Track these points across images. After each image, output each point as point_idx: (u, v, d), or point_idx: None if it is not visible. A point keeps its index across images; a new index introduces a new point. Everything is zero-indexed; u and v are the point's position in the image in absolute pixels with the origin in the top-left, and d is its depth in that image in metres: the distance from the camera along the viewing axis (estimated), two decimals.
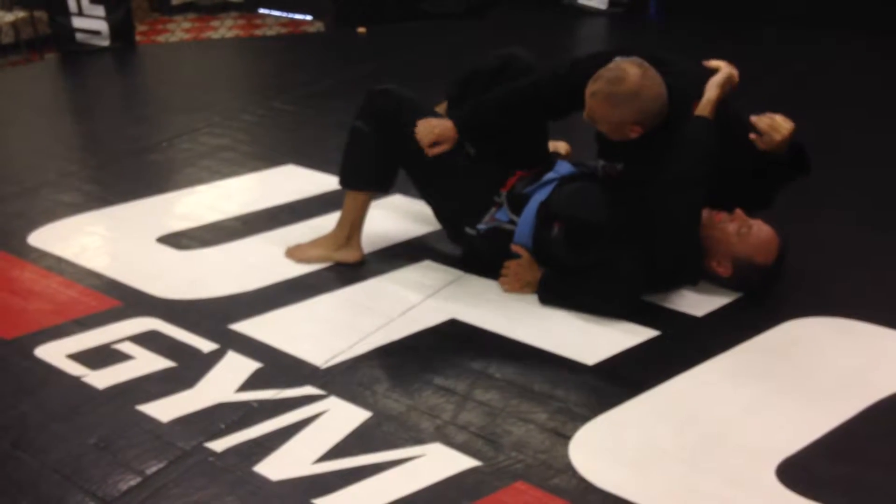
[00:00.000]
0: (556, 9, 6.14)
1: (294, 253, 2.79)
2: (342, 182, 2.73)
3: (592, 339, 2.36)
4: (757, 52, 5.16)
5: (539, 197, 2.54)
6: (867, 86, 4.53)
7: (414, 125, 2.57)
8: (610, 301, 2.43)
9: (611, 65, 2.37)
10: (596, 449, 1.98)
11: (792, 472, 1.88)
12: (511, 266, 2.58)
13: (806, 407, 2.08)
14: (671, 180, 2.38)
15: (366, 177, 2.70)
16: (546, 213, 2.51)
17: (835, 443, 1.97)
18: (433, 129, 2.55)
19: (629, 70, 2.34)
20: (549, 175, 2.58)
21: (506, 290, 2.58)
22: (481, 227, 2.59)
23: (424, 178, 2.70)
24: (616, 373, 2.24)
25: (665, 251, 2.40)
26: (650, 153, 2.40)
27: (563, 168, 2.61)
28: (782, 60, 4.90)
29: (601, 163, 2.54)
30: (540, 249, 2.54)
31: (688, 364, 2.24)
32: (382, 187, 2.73)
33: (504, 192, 2.59)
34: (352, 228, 2.72)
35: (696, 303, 2.49)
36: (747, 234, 2.42)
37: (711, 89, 2.46)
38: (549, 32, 5.86)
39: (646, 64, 2.37)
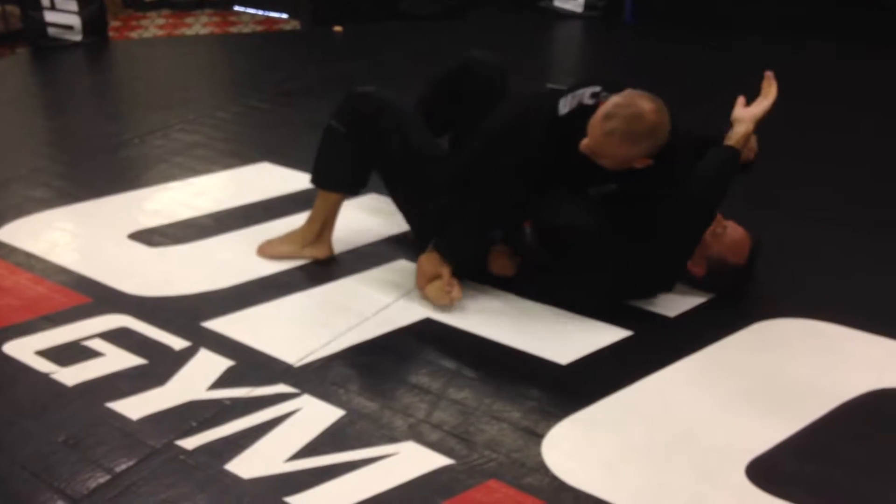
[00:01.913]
0: (532, 11, 6.16)
1: (264, 249, 2.77)
2: (314, 180, 2.72)
3: (566, 339, 2.37)
4: (729, 57, 5.21)
5: None
6: (838, 90, 4.59)
7: (394, 133, 2.54)
8: (592, 295, 2.44)
9: (621, 100, 2.25)
10: (569, 448, 1.99)
11: (762, 470, 1.90)
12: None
13: (776, 407, 2.11)
14: (694, 198, 2.41)
15: (337, 178, 2.68)
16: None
17: (804, 442, 1.99)
18: (440, 292, 2.45)
19: (645, 106, 2.24)
20: None
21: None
22: None
23: (403, 195, 2.69)
24: (589, 372, 2.25)
25: (663, 259, 2.45)
26: (645, 173, 2.34)
27: None
28: (755, 65, 4.94)
29: (591, 190, 2.42)
30: (513, 247, 2.55)
31: (660, 364, 2.26)
32: (353, 189, 2.72)
33: None
34: (323, 226, 2.72)
35: (669, 303, 2.51)
36: (722, 234, 2.45)
37: (748, 123, 2.45)
38: (525, 35, 5.88)
39: (654, 96, 2.28)
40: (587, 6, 6.00)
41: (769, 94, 2.51)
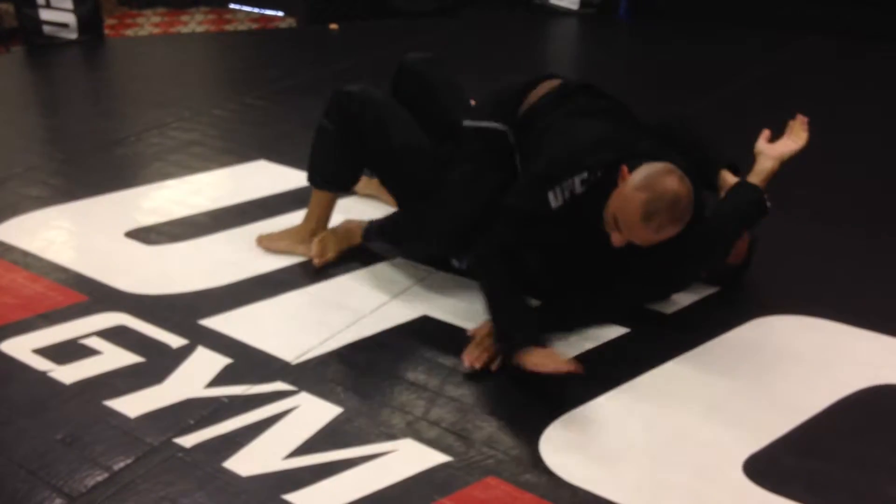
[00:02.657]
0: (527, 8, 6.16)
1: (262, 241, 2.79)
2: (309, 178, 2.73)
3: (562, 337, 2.37)
4: (726, 52, 5.22)
5: None
6: (832, 86, 4.60)
7: (377, 129, 2.54)
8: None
9: (648, 193, 2.07)
10: (566, 444, 1.99)
11: (759, 467, 1.91)
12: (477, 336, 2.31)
13: (772, 403, 2.11)
14: (714, 240, 2.33)
15: (329, 176, 2.69)
16: None
17: (801, 439, 2.00)
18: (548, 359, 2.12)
19: (673, 185, 2.10)
20: None
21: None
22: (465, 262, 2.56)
23: (392, 190, 2.70)
24: (586, 369, 2.24)
25: (677, 284, 2.47)
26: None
27: None
28: (750, 61, 4.96)
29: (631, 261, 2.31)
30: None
31: (657, 361, 2.27)
32: (344, 186, 2.73)
33: None
34: (318, 224, 2.72)
35: (665, 301, 2.51)
36: None
37: (774, 161, 2.37)
38: (520, 32, 5.88)
39: (662, 165, 2.14)
40: (582, 3, 6.01)
41: (800, 137, 2.42)
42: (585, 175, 2.21)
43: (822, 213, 3.09)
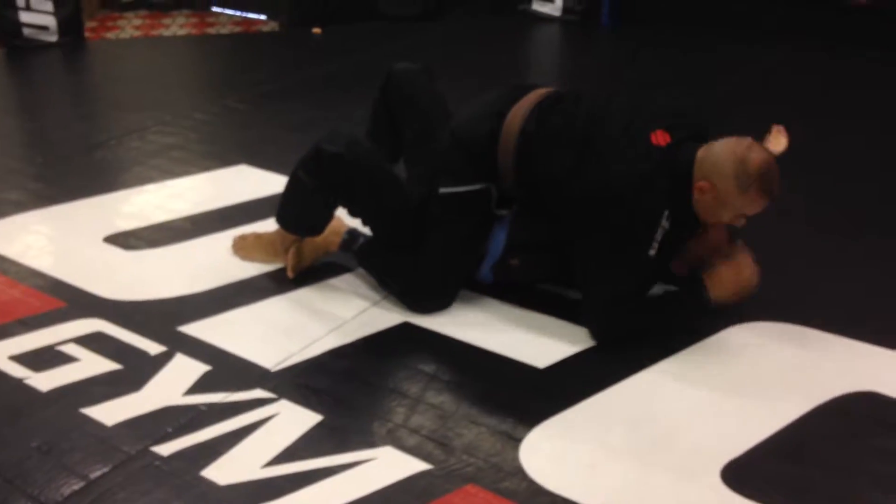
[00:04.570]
0: (511, 14, 6.18)
1: (238, 250, 2.74)
2: (279, 220, 2.61)
3: (543, 343, 2.37)
4: (708, 57, 5.26)
5: (501, 234, 2.51)
6: (814, 90, 4.64)
7: (367, 197, 2.48)
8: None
9: (754, 173, 2.18)
10: (546, 451, 1.99)
11: (739, 472, 1.91)
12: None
13: (751, 409, 2.12)
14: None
15: (302, 224, 2.59)
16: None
17: (780, 444, 2.01)
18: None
19: (757, 153, 2.23)
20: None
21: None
22: None
23: (379, 237, 2.62)
24: (566, 376, 2.26)
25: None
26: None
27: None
28: (731, 66, 5.00)
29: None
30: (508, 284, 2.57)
31: (636, 367, 2.27)
32: (318, 233, 2.62)
33: None
34: (294, 243, 2.64)
35: None
36: (703, 235, 2.45)
37: None
38: (504, 37, 5.89)
39: (730, 142, 2.26)
40: (565, 9, 6.03)
41: (780, 143, 2.47)
42: (667, 212, 2.26)
43: (801, 218, 3.10)
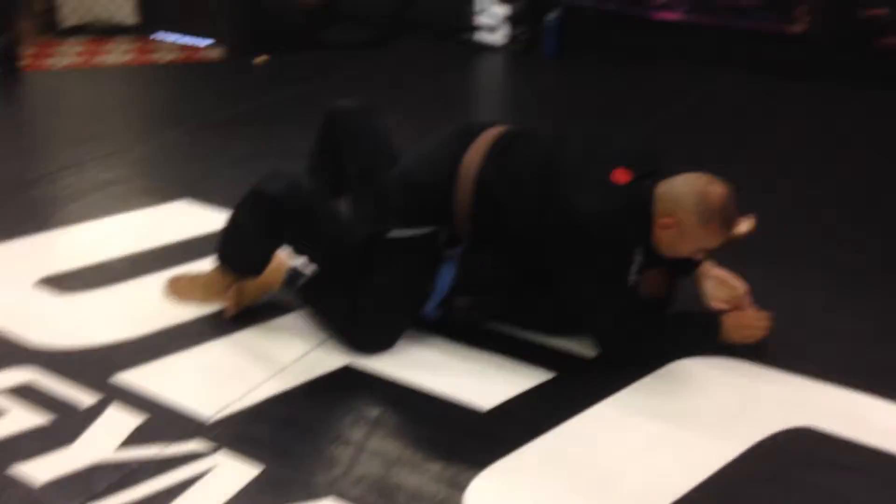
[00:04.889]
0: (455, 44, 6.20)
1: (173, 291, 2.65)
2: (218, 259, 2.56)
3: (487, 383, 2.35)
4: (647, 88, 5.33)
5: (448, 273, 2.50)
6: (745, 119, 4.73)
7: (313, 232, 2.45)
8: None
9: (714, 208, 2.26)
10: (491, 497, 1.96)
11: None
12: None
13: (693, 448, 2.12)
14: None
15: (243, 264, 2.55)
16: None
17: (721, 483, 2.01)
18: None
19: (716, 188, 2.31)
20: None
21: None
22: None
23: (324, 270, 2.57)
24: (511, 417, 2.24)
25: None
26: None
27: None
28: (669, 96, 5.07)
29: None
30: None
31: (580, 406, 2.26)
32: (259, 272, 2.58)
33: None
34: (233, 282, 2.59)
35: (587, 344, 2.51)
36: (644, 278, 2.47)
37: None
38: (449, 67, 5.91)
39: (688, 178, 2.34)
40: (510, 39, 6.07)
41: (745, 227, 2.59)
42: (640, 248, 2.31)
43: (742, 250, 3.11)
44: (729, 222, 2.28)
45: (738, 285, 2.52)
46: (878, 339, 2.58)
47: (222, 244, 2.55)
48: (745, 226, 2.64)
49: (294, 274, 2.63)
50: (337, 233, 2.49)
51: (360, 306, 2.45)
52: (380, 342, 2.47)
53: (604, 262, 2.31)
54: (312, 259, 2.55)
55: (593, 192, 2.32)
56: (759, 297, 2.64)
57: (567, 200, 2.32)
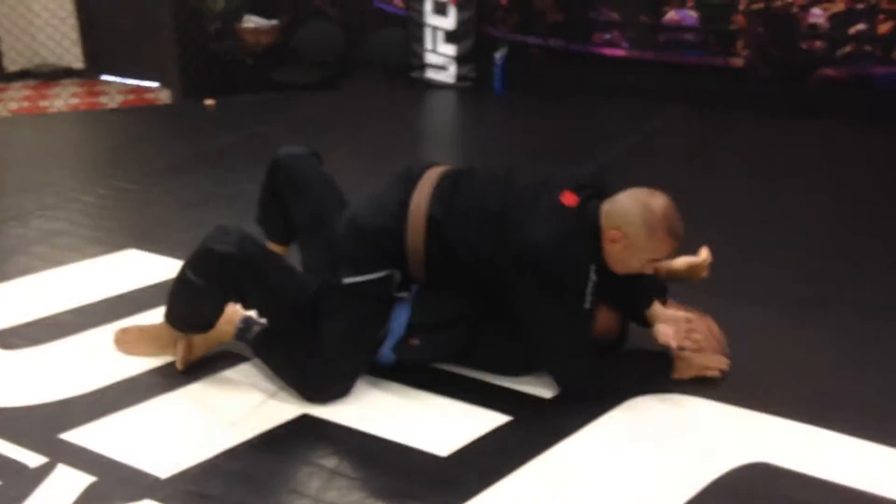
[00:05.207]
0: (405, 82, 6.25)
1: (122, 341, 2.62)
2: (167, 318, 2.53)
3: (445, 428, 2.34)
4: (596, 123, 5.41)
5: (402, 315, 2.50)
6: (690, 152, 4.83)
7: (264, 287, 2.42)
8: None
9: (660, 218, 2.31)
10: None
11: None
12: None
13: (653, 487, 2.13)
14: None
15: (193, 323, 2.53)
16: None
17: None
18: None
19: (659, 199, 2.37)
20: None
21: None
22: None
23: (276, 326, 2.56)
24: (469, 462, 2.22)
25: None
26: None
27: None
28: (618, 132, 5.15)
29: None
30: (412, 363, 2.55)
31: (540, 448, 2.25)
32: (209, 329, 2.55)
33: None
34: (184, 335, 2.56)
35: (544, 384, 2.51)
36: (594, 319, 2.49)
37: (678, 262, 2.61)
38: (399, 105, 5.95)
39: (629, 193, 2.39)
40: (458, 77, 6.14)
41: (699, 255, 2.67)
42: (593, 266, 2.34)
43: (684, 285, 3.11)
44: (674, 231, 2.33)
45: (694, 326, 2.52)
46: (832, 372, 2.60)
47: (170, 305, 2.52)
48: (703, 252, 2.68)
49: (246, 325, 2.60)
50: (289, 286, 2.47)
51: (311, 355, 2.42)
52: (333, 391, 2.44)
53: (561, 288, 2.33)
54: (262, 314, 2.53)
55: (545, 218, 2.35)
56: (724, 333, 2.66)
57: (521, 229, 2.35)
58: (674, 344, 2.47)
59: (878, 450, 2.24)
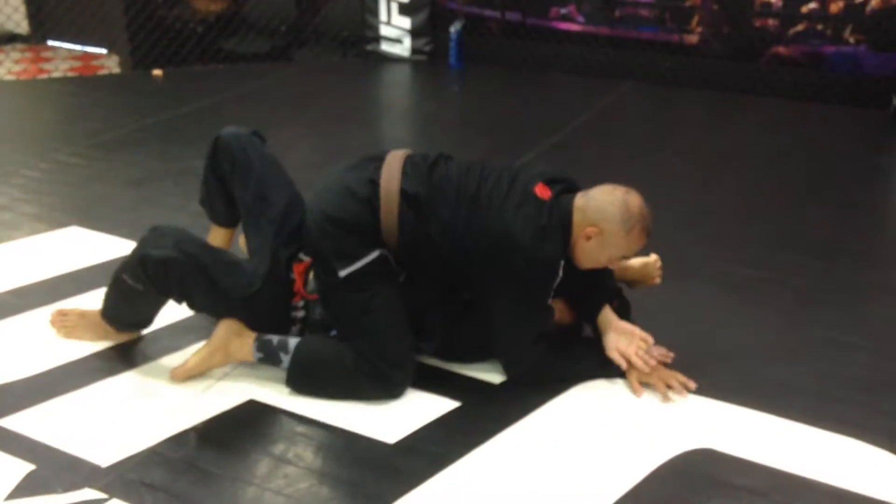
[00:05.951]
0: (359, 54, 6.15)
1: (60, 324, 2.61)
2: (104, 316, 2.52)
3: (393, 415, 2.32)
4: (552, 99, 5.40)
5: None
6: (647, 129, 4.84)
7: (208, 286, 2.36)
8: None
9: (635, 216, 2.33)
10: None
11: None
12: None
13: (597, 474, 2.14)
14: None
15: (130, 322, 2.54)
16: None
17: None
18: None
19: (634, 198, 2.37)
20: None
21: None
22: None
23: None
24: (417, 449, 2.21)
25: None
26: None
27: None
28: (574, 108, 5.14)
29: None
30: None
31: (487, 434, 2.25)
32: (146, 326, 2.55)
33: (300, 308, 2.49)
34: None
35: (493, 370, 2.51)
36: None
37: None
38: (352, 78, 5.86)
39: (605, 190, 2.37)
40: (414, 50, 6.07)
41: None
42: (562, 262, 2.33)
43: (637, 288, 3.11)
44: (649, 229, 2.37)
45: (642, 343, 2.45)
46: (773, 355, 2.63)
47: (108, 306, 2.51)
48: (652, 256, 2.70)
49: (265, 345, 2.44)
50: (235, 280, 2.40)
51: (365, 353, 2.35)
52: (409, 366, 2.41)
53: (531, 280, 2.32)
54: (210, 311, 2.49)
55: (521, 205, 2.32)
56: (653, 313, 2.67)
57: (497, 214, 2.32)
58: (623, 364, 2.43)
59: (820, 435, 2.28)
